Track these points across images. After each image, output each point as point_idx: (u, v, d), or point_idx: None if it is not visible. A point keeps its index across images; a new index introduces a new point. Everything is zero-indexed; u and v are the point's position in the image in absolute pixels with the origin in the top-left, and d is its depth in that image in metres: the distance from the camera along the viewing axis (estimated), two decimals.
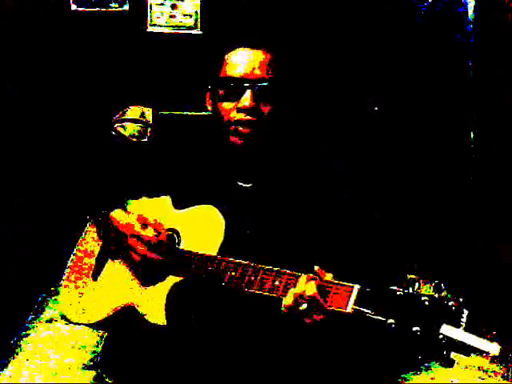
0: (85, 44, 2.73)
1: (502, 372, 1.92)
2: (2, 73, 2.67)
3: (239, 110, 1.67)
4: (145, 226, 1.65)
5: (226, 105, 1.69)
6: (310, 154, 1.83)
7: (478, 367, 1.91)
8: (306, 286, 1.41)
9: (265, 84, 1.67)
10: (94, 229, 1.83)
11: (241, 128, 1.67)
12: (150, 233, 1.64)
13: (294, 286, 1.44)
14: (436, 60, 2.70)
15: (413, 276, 1.29)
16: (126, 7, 2.74)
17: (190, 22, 2.77)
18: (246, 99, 1.65)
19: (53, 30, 2.70)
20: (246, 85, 1.66)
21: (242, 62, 1.69)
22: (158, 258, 1.63)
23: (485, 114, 2.69)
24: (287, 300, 1.43)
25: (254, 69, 1.67)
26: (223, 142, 1.72)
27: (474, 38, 2.65)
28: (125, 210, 1.73)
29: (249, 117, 1.66)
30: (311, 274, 1.43)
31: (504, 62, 2.58)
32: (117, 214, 1.71)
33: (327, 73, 2.74)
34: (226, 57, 1.72)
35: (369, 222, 1.84)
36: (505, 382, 1.89)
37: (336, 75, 2.75)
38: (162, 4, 2.76)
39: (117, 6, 2.73)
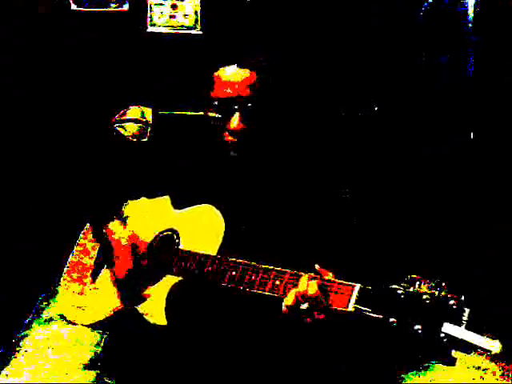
0: (85, 44, 2.73)
1: (501, 372, 1.92)
2: (2, 73, 2.67)
3: (229, 132, 1.65)
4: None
5: (218, 125, 1.67)
6: (307, 152, 1.82)
7: (478, 367, 1.91)
8: (307, 285, 1.40)
9: (250, 105, 1.63)
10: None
11: (231, 148, 1.66)
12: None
13: (295, 285, 1.44)
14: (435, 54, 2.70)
15: (413, 275, 1.29)
16: (126, 7, 2.74)
17: (189, 22, 2.76)
18: (234, 120, 1.63)
19: (53, 29, 2.70)
20: (235, 107, 1.63)
21: (230, 81, 1.64)
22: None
23: (484, 114, 2.69)
24: (288, 300, 1.43)
25: (241, 89, 1.63)
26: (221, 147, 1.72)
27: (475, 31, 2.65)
28: (124, 222, 1.74)
29: (237, 139, 1.65)
30: (312, 274, 1.43)
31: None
32: (113, 227, 1.72)
33: (326, 69, 2.75)
34: (215, 75, 1.67)
35: (368, 221, 1.83)
36: (505, 381, 1.89)
37: (336, 74, 2.75)
38: (161, 4, 2.76)
39: (117, 6, 2.73)
